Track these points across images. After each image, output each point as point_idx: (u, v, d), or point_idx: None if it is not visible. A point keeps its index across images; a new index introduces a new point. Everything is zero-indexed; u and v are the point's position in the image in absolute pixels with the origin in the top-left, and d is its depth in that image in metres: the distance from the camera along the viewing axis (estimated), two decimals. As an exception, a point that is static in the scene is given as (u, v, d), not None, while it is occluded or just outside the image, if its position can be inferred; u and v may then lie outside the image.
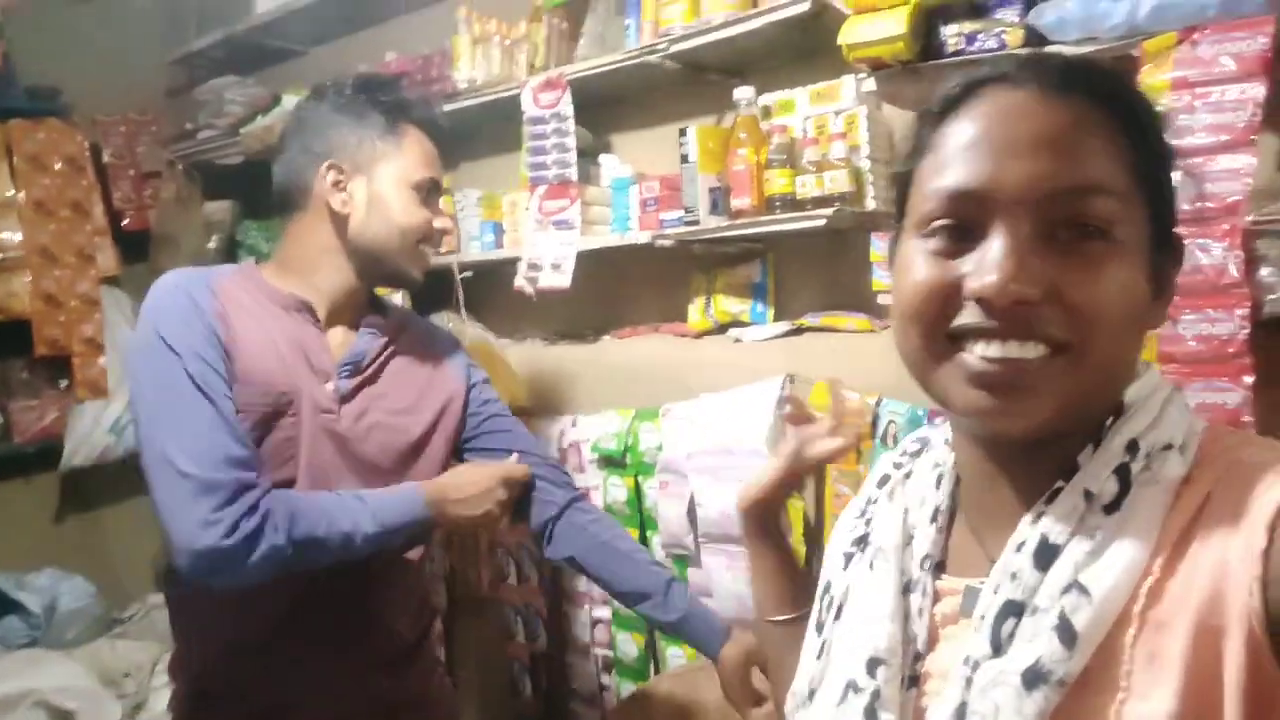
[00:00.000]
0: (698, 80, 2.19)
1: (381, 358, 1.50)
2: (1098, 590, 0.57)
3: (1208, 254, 1.33)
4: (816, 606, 0.79)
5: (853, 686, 0.67)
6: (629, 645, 2.33)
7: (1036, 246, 0.59)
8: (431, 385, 1.56)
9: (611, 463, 2.30)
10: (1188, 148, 1.35)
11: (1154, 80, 1.41)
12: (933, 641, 0.68)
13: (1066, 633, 0.56)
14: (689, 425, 2.11)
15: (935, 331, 0.62)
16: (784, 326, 2.09)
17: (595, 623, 2.41)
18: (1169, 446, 0.61)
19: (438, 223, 1.53)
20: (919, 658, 0.68)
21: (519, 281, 2.33)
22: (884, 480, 0.79)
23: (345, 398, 1.44)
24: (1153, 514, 0.58)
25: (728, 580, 2.04)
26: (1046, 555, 0.60)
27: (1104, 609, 0.56)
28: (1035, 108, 0.60)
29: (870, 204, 1.90)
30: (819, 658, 0.73)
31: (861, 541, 0.76)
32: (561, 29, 2.33)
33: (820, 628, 0.76)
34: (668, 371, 2.23)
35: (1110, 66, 0.66)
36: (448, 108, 2.53)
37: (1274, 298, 1.34)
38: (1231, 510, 0.56)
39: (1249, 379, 1.33)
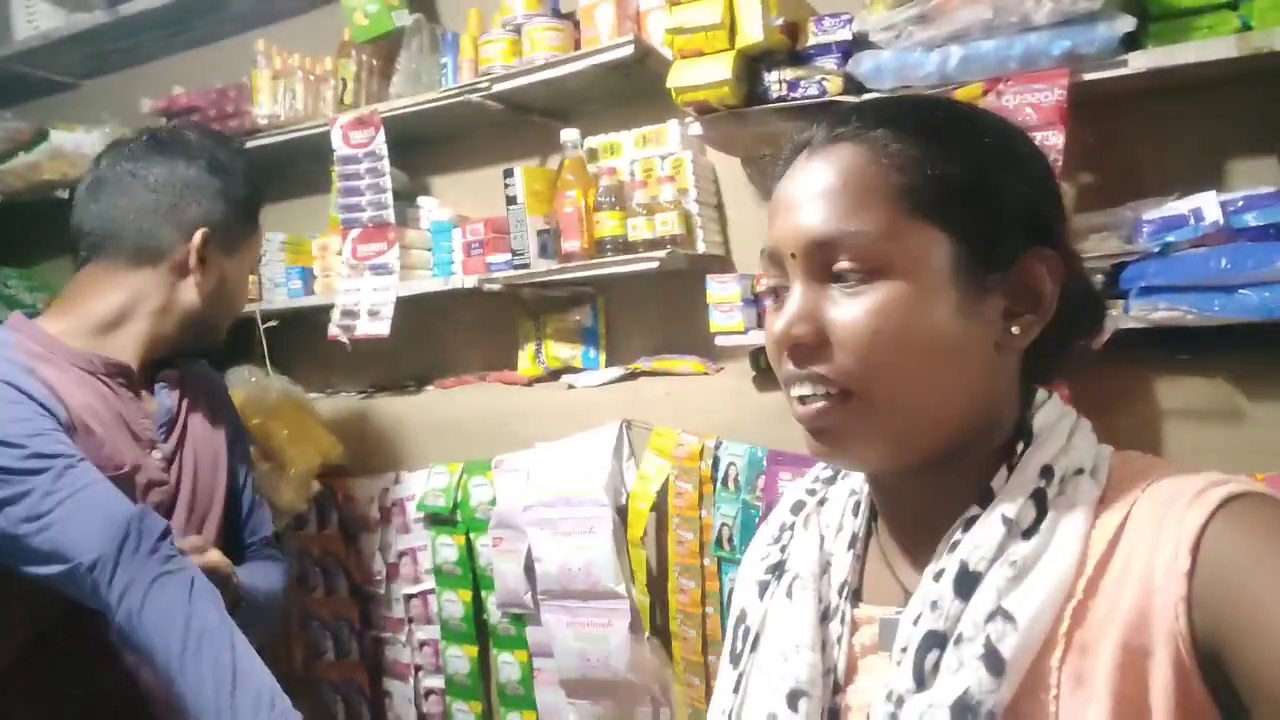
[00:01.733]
0: (520, 122, 2.13)
1: (183, 413, 1.40)
2: (1023, 616, 0.56)
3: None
4: (730, 637, 0.76)
5: None
6: (465, 716, 2.19)
7: (815, 292, 0.62)
8: (219, 433, 1.50)
9: (440, 521, 2.17)
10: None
11: (966, 127, 1.48)
12: (850, 673, 0.67)
13: (994, 661, 0.55)
14: (523, 476, 2.02)
15: (783, 384, 0.67)
16: (618, 371, 2.05)
17: (427, 694, 2.25)
18: (1080, 471, 0.62)
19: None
20: (838, 689, 0.66)
21: (333, 330, 2.17)
22: (798, 507, 0.78)
23: (169, 460, 1.35)
24: (1072, 537, 0.58)
25: (569, 638, 1.95)
26: (967, 583, 0.59)
27: (1030, 635, 0.56)
28: (815, 161, 0.64)
29: (700, 246, 1.90)
30: (735, 691, 0.71)
31: (777, 569, 0.74)
32: (373, 65, 2.21)
33: (736, 660, 0.73)
34: (498, 421, 2.14)
35: (924, 98, 0.69)
36: (248, 144, 2.35)
37: (1083, 331, 1.43)
38: (1153, 532, 0.56)
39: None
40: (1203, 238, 1.38)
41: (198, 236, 1.35)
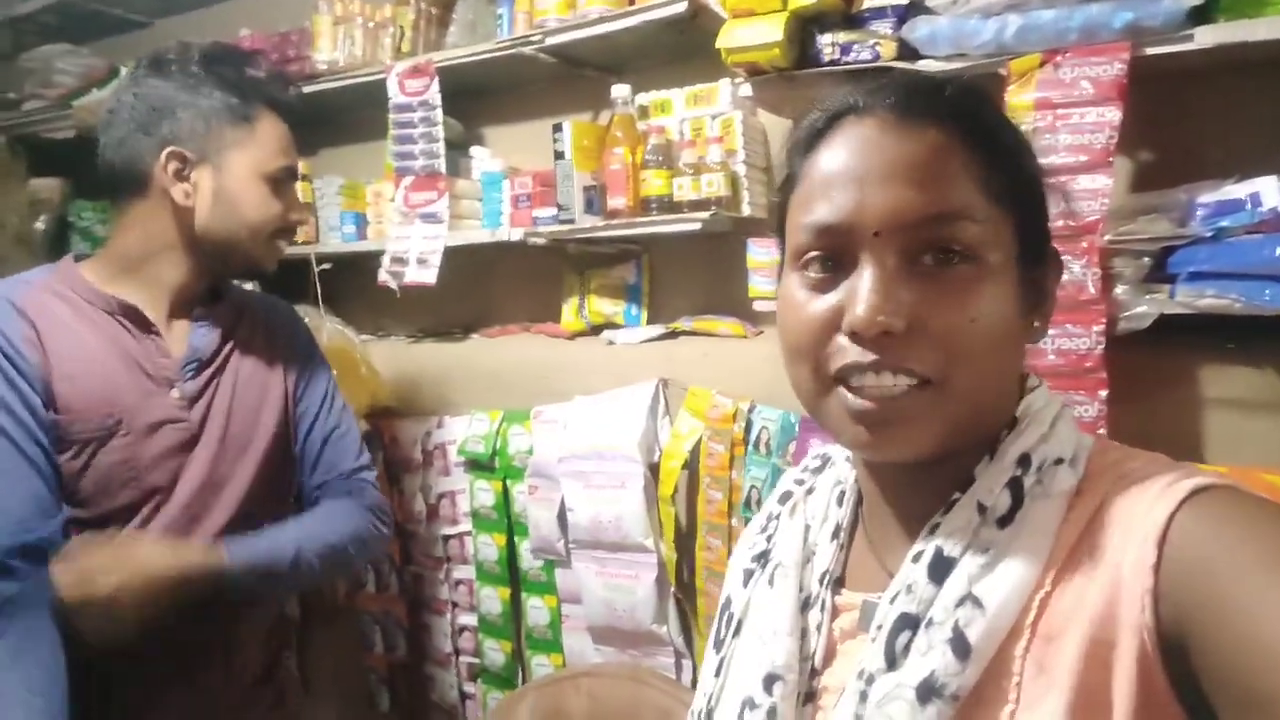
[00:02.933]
0: (573, 76, 2.13)
1: (224, 349, 1.40)
2: (991, 603, 0.57)
3: (1068, 271, 1.38)
4: (716, 623, 0.78)
5: (749, 703, 0.67)
6: (496, 654, 2.26)
7: (902, 276, 0.59)
8: (273, 371, 1.47)
9: (479, 466, 2.22)
10: (1050, 167, 1.39)
11: (1019, 100, 1.45)
12: (830, 657, 0.68)
13: (960, 646, 0.56)
14: (560, 428, 2.06)
15: (819, 368, 0.63)
16: (658, 330, 2.06)
17: (460, 630, 2.34)
18: (1060, 460, 0.62)
19: (293, 214, 1.41)
20: (815, 673, 0.67)
21: (383, 276, 2.22)
22: (786, 497, 0.79)
23: (193, 398, 1.34)
24: (1045, 527, 0.59)
25: (597, 586, 2.00)
26: (941, 568, 0.60)
27: (997, 622, 0.57)
28: (891, 137, 0.61)
29: (746, 209, 1.89)
30: (717, 675, 0.73)
31: (762, 558, 0.76)
32: (430, 14, 2.22)
33: (719, 645, 0.75)
34: (539, 373, 2.17)
35: (964, 84, 0.66)
36: (306, 89, 2.39)
37: (1128, 314, 1.40)
38: (1122, 524, 0.56)
39: (1104, 393, 1.39)
40: (1259, 224, 1.33)
41: (163, 155, 1.28)
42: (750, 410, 1.86)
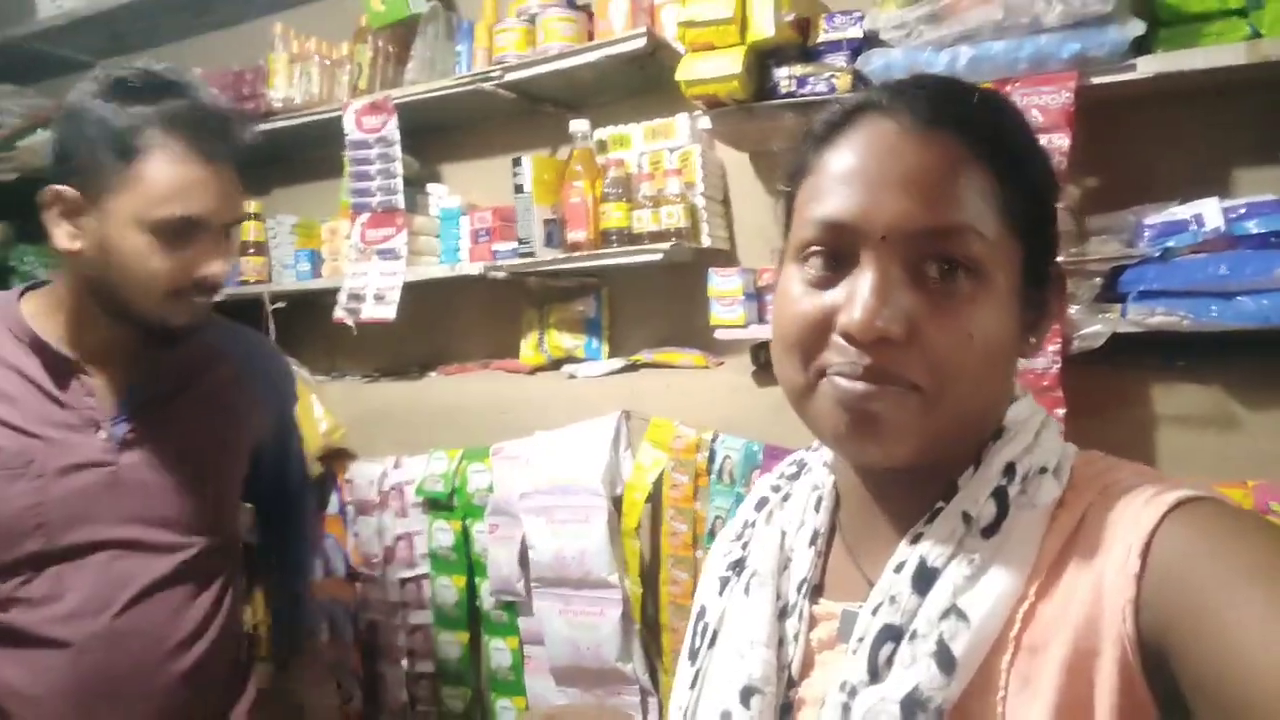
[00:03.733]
0: (532, 111, 2.15)
1: (176, 394, 1.32)
2: (976, 615, 0.56)
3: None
4: (690, 633, 0.75)
5: (726, 717, 0.65)
6: (455, 702, 2.19)
7: (904, 283, 0.58)
8: (223, 415, 1.38)
9: (438, 506, 2.18)
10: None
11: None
12: (807, 667, 0.66)
13: (945, 659, 0.55)
14: (521, 464, 2.03)
15: (809, 363, 0.62)
16: (619, 362, 2.06)
17: (418, 678, 2.26)
18: (1044, 470, 0.61)
19: (203, 269, 1.18)
20: (793, 684, 0.66)
21: (339, 313, 2.19)
22: (761, 503, 0.77)
23: (127, 443, 1.25)
24: (1029, 538, 0.58)
25: (560, 625, 1.95)
26: (925, 578, 0.59)
27: (982, 634, 0.56)
28: (910, 142, 0.60)
29: (705, 240, 1.91)
30: (692, 687, 0.70)
31: (738, 566, 0.74)
32: (389, 51, 2.23)
33: (694, 656, 0.72)
34: (498, 409, 2.15)
35: (990, 94, 0.64)
36: (260, 128, 2.37)
37: (1082, 334, 1.43)
38: (1105, 534, 0.56)
39: (1062, 411, 1.41)
40: (1203, 244, 1.38)
41: (48, 194, 1.15)
42: (713, 440, 1.85)
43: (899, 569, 0.61)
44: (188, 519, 1.31)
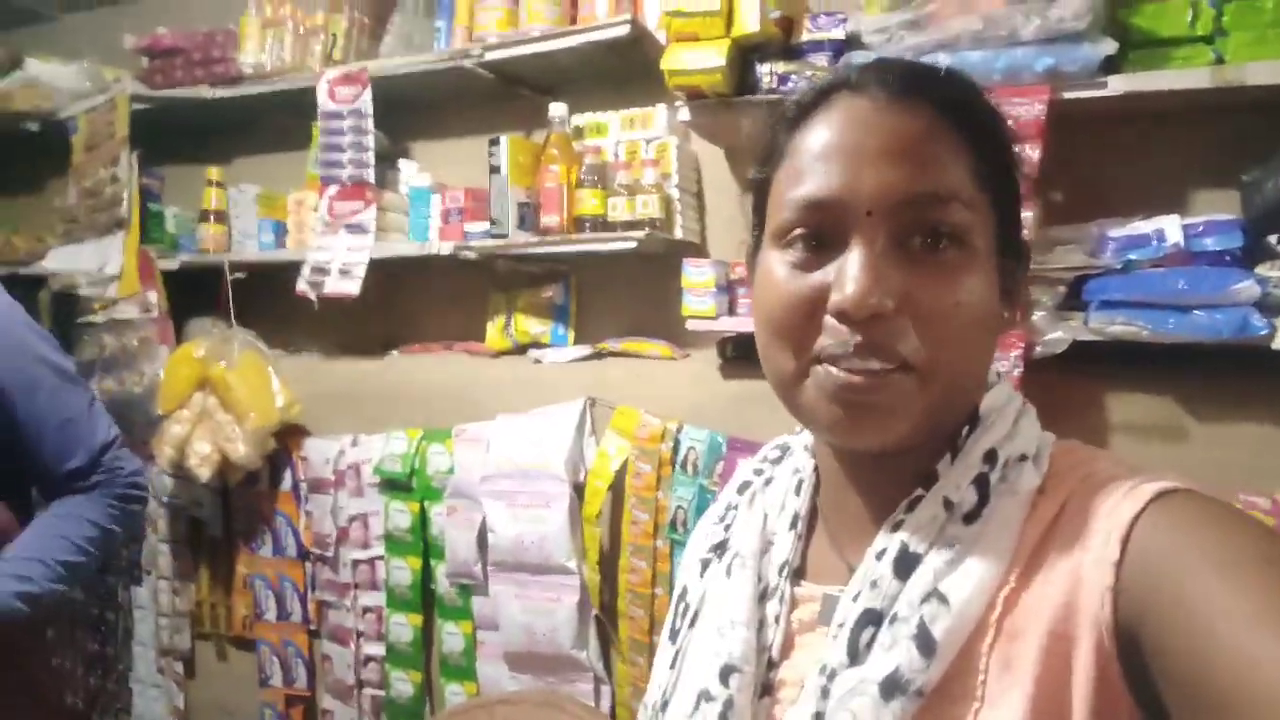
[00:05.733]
0: (508, 94, 2.14)
1: None
2: (956, 599, 0.56)
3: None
4: (671, 614, 0.75)
5: (705, 695, 0.65)
6: (403, 685, 2.18)
7: (892, 256, 0.58)
8: None
9: (395, 486, 2.16)
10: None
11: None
12: (787, 649, 0.66)
13: (925, 642, 0.56)
14: (483, 447, 2.02)
15: (800, 349, 0.61)
16: (585, 350, 2.06)
17: (366, 661, 2.24)
18: (1024, 457, 0.62)
19: None
20: (773, 665, 0.66)
21: (302, 285, 2.16)
22: (744, 486, 0.77)
23: None
24: (1010, 524, 0.59)
25: (516, 610, 1.95)
26: (907, 564, 0.59)
27: (962, 618, 0.56)
28: (887, 116, 0.60)
29: (679, 232, 1.92)
30: (672, 667, 0.71)
31: (720, 548, 0.74)
32: (364, 23, 2.20)
33: (675, 635, 0.73)
34: (461, 391, 2.14)
35: (957, 71, 0.65)
36: (227, 93, 2.33)
37: (1045, 339, 1.48)
38: (1085, 522, 0.57)
39: (1023, 412, 1.45)
40: (1163, 258, 1.43)
41: None
42: (678, 431, 1.86)
43: (880, 555, 0.61)
44: None
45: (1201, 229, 1.44)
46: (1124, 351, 1.48)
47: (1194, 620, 0.49)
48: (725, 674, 0.64)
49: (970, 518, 0.59)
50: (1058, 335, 1.49)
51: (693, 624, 0.71)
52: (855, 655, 0.58)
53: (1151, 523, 0.54)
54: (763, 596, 0.68)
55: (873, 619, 0.58)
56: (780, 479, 0.75)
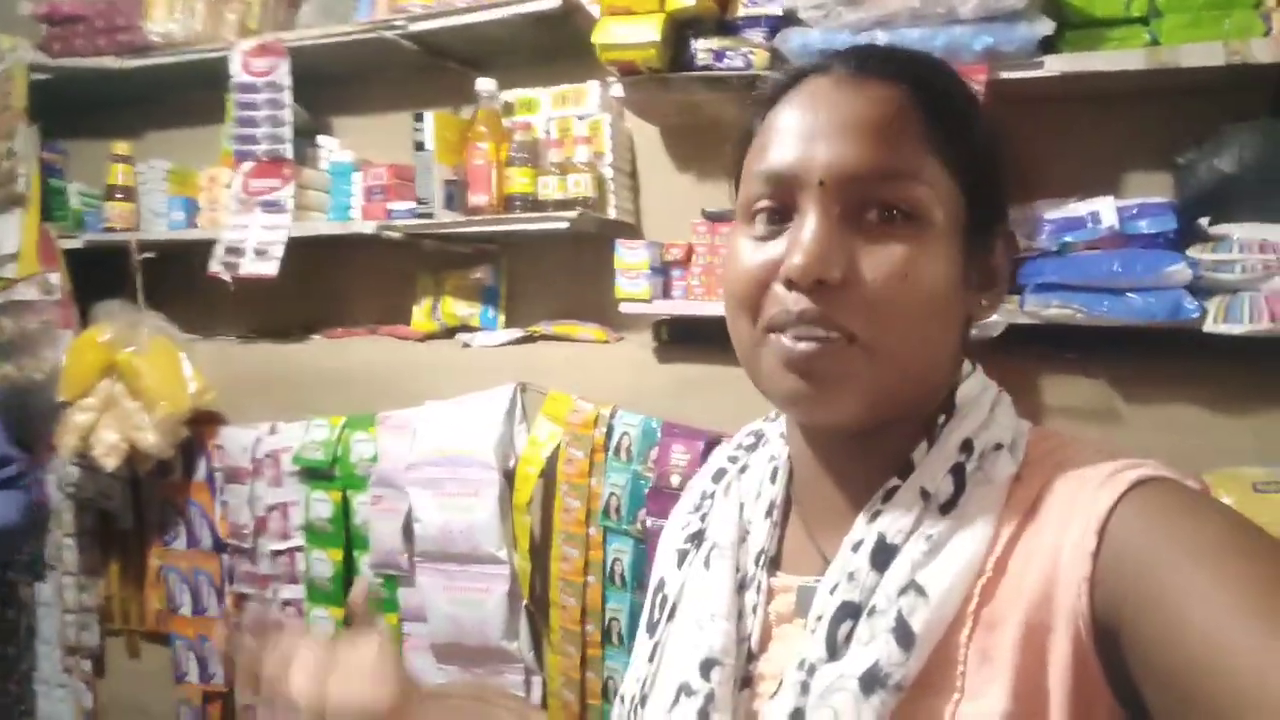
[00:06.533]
0: (434, 67, 2.05)
1: None
2: (935, 591, 0.56)
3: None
4: (648, 606, 0.74)
5: (685, 689, 0.64)
6: (326, 679, 2.09)
7: (844, 228, 0.58)
8: None
9: (317, 475, 2.07)
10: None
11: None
12: (765, 641, 0.66)
13: (904, 635, 0.55)
14: (409, 434, 1.95)
15: (755, 319, 0.62)
16: (516, 333, 1.99)
17: (287, 656, 2.15)
18: (1000, 446, 0.61)
19: None
20: (752, 658, 0.65)
21: (215, 266, 2.05)
22: (719, 475, 0.76)
23: None
24: (987, 513, 0.58)
25: (443, 602, 1.89)
26: (884, 555, 0.59)
27: (941, 610, 0.56)
28: (848, 92, 0.60)
29: (612, 212, 1.87)
30: (651, 660, 0.70)
31: (696, 538, 0.73)
32: (281, -9, 2.09)
33: (653, 629, 0.71)
34: (386, 376, 2.06)
35: (925, 52, 0.66)
36: (135, 64, 2.20)
37: (979, 324, 1.46)
38: (1062, 511, 0.56)
39: (959, 396, 1.43)
40: (1098, 240, 1.43)
41: None
42: (612, 416, 1.82)
43: (857, 547, 0.60)
44: None
45: (1136, 211, 1.44)
46: (1058, 334, 1.47)
47: (1170, 611, 0.49)
48: (706, 667, 0.64)
49: (947, 508, 0.59)
50: (994, 319, 1.48)
51: (671, 616, 0.70)
52: (834, 650, 0.58)
53: (1128, 512, 0.53)
54: (741, 587, 0.67)
55: (850, 612, 0.58)
56: (755, 466, 0.74)
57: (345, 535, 2.06)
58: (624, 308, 1.75)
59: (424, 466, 1.89)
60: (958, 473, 0.60)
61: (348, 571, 2.06)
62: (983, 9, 1.44)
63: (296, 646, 0.68)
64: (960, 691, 0.55)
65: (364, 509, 2.01)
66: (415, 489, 1.90)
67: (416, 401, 1.98)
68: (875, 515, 0.61)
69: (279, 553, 2.13)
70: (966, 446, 0.61)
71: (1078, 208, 1.46)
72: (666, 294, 1.76)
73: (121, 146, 2.31)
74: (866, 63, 0.62)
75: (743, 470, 0.75)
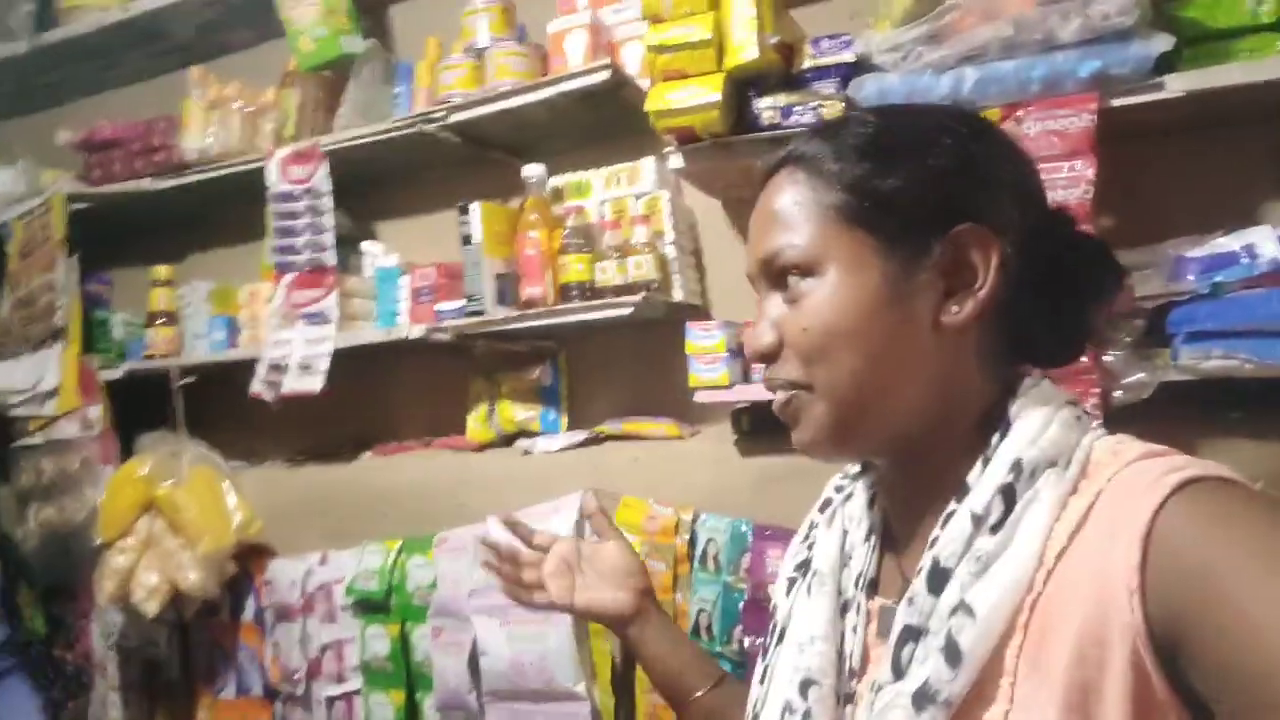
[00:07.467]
0: (478, 158, 1.94)
1: None
2: (981, 609, 0.58)
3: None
4: (767, 633, 0.79)
5: (788, 708, 0.69)
6: None
7: (777, 301, 0.69)
8: None
9: (372, 607, 1.88)
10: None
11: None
12: (866, 661, 0.69)
13: (952, 653, 0.58)
14: (470, 556, 1.76)
15: None
16: (580, 435, 1.82)
17: None
18: (1053, 464, 0.61)
19: None
20: (854, 675, 0.69)
21: (256, 386, 1.92)
22: (825, 505, 0.81)
23: None
24: (1036, 530, 0.59)
25: (518, 747, 1.66)
26: (938, 579, 0.61)
27: (988, 627, 0.58)
28: (763, 190, 0.70)
29: (678, 293, 1.71)
30: (761, 683, 0.75)
31: (804, 567, 0.78)
32: (318, 98, 2.02)
33: (765, 653, 0.77)
34: (443, 493, 1.88)
35: (843, 115, 0.78)
36: (173, 183, 2.13)
37: (1126, 383, 1.25)
38: (1110, 521, 0.56)
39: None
40: (1259, 277, 1.21)
41: None
42: (694, 520, 1.62)
43: (919, 572, 0.63)
44: None
45: (1298, 240, 1.23)
46: (1222, 390, 1.25)
47: (1236, 617, 0.49)
48: (804, 687, 0.69)
49: (996, 528, 0.60)
50: (1139, 378, 1.26)
51: (780, 640, 0.75)
52: (899, 670, 0.61)
53: (1171, 519, 0.53)
54: (844, 610, 0.72)
55: (912, 635, 0.62)
56: (859, 493, 0.78)
57: (406, 674, 1.85)
58: (700, 396, 1.56)
59: (488, 592, 1.69)
60: (1007, 493, 0.61)
61: (411, 716, 1.85)
62: (1088, 30, 1.27)
63: (548, 552, 0.99)
64: (1010, 702, 0.57)
65: (424, 643, 1.81)
66: (479, 617, 1.70)
67: (478, 518, 1.80)
68: (933, 541, 0.63)
69: (334, 698, 1.93)
70: (1016, 466, 0.61)
71: (1227, 242, 1.26)
72: (746, 378, 1.57)
73: (162, 270, 2.24)
74: (776, 158, 0.70)
75: (848, 498, 0.79)
